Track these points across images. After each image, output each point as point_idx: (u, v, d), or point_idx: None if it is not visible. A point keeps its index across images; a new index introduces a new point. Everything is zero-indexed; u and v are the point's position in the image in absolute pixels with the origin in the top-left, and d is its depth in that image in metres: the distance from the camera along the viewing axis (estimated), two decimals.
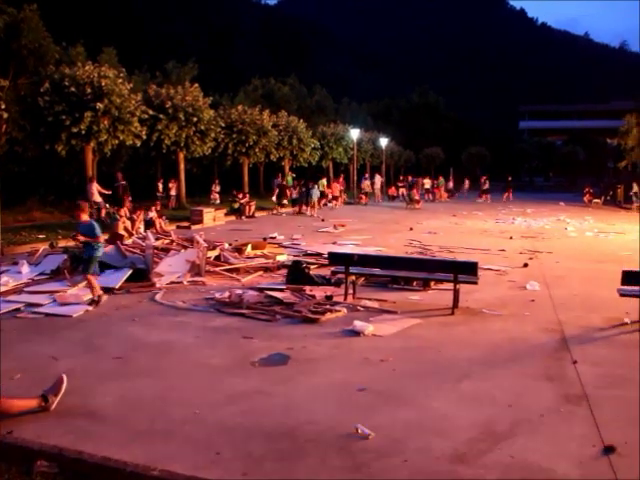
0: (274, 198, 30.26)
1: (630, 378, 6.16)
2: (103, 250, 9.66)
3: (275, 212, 29.01)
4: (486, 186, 42.35)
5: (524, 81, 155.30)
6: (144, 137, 23.25)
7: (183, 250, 12.73)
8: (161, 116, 25.34)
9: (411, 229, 21.14)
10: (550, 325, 8.27)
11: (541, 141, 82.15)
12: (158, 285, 10.49)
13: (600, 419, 5.12)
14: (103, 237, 9.78)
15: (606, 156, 62.69)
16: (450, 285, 9.16)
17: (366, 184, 41.09)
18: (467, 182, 52.55)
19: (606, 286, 9.90)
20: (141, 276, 10.79)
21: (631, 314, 8.47)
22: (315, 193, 29.57)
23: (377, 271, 10.11)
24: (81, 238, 9.11)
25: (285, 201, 30.28)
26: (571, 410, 5.36)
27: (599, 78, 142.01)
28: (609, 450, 4.55)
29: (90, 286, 9.12)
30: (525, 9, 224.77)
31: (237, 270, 11.94)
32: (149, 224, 18.22)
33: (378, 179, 43.10)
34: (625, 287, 8.40)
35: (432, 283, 10.43)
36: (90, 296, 9.10)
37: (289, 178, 34.80)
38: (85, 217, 9.33)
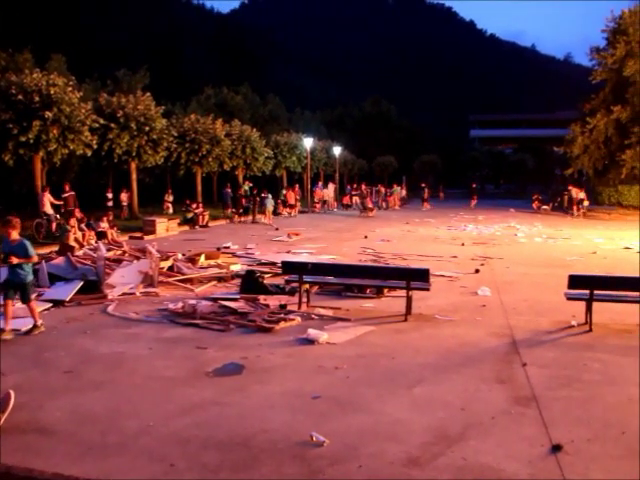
0: (229, 210, 30.09)
1: (576, 379, 6.35)
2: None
3: (231, 221, 28.91)
4: (426, 194, 43.32)
5: (474, 90, 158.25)
6: (95, 146, 22.88)
7: (136, 261, 12.58)
8: (112, 125, 25.00)
9: (365, 237, 21.30)
10: (501, 329, 8.44)
11: (491, 149, 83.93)
12: (110, 297, 10.34)
13: (548, 419, 5.27)
14: (36, 257, 8.54)
15: (553, 164, 64.37)
16: (403, 292, 9.26)
17: (326, 192, 41.47)
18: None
19: (554, 290, 10.16)
20: (92, 288, 10.61)
21: (577, 317, 8.72)
22: (270, 202, 29.69)
23: (331, 279, 10.17)
24: (15, 260, 7.81)
25: (242, 210, 30.26)
26: (521, 411, 5.48)
27: (545, 88, 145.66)
28: (556, 449, 4.69)
29: (32, 312, 8.18)
30: (474, 21, 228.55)
31: (190, 280, 11.85)
32: (101, 235, 17.94)
33: (331, 187, 43.34)
34: (571, 291, 8.65)
35: (385, 290, 10.54)
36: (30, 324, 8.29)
37: (246, 187, 34.74)
38: (16, 235, 8.02)
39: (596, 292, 8.44)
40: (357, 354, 7.19)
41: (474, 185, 46.80)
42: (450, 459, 4.53)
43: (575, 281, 8.57)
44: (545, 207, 40.35)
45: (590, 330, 8.33)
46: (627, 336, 8.12)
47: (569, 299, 8.74)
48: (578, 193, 36.38)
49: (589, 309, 8.46)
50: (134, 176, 27.96)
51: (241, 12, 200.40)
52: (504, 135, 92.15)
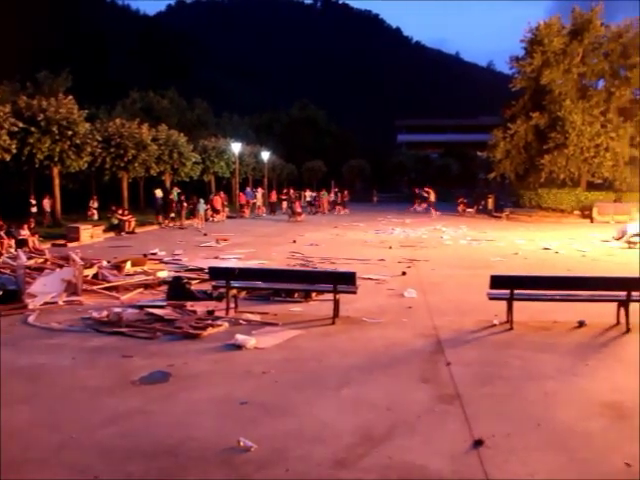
0: (160, 217, 29.62)
1: (498, 375, 6.57)
2: None
3: (162, 227, 28.49)
4: (346, 198, 43.79)
5: (401, 96, 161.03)
6: (14, 151, 22.10)
7: (58, 269, 12.21)
8: (33, 129, 24.14)
9: (294, 241, 21.35)
10: (426, 330, 8.64)
11: (418, 154, 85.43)
12: (31, 306, 10.00)
13: (471, 415, 5.44)
14: None
15: (477, 168, 66.16)
16: (331, 295, 9.33)
17: (257, 196, 41.46)
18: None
19: (477, 291, 10.42)
20: (12, 298, 10.23)
21: (500, 316, 9.02)
22: (202, 207, 29.62)
23: (259, 284, 10.17)
24: None
25: (173, 214, 29.91)
26: (445, 409, 5.64)
27: (469, 95, 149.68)
28: (478, 444, 4.85)
29: None
30: (401, 28, 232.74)
31: (116, 288, 11.60)
32: (21, 243, 17.32)
33: (260, 192, 43.25)
34: (493, 291, 8.93)
35: (313, 294, 10.60)
36: None
37: (174, 193, 34.23)
38: None
39: (516, 291, 8.76)
40: (285, 358, 7.21)
41: (417, 190, 46.90)
42: (376, 459, 4.61)
43: (496, 281, 8.86)
44: (470, 210, 41.45)
45: (511, 328, 8.63)
46: (545, 333, 8.47)
47: (491, 299, 9.03)
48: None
49: (510, 308, 8.77)
50: (57, 182, 27.09)
51: (168, 15, 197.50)
52: (430, 140, 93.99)
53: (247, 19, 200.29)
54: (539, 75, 38.54)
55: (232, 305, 9.60)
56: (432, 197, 41.12)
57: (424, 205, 43.17)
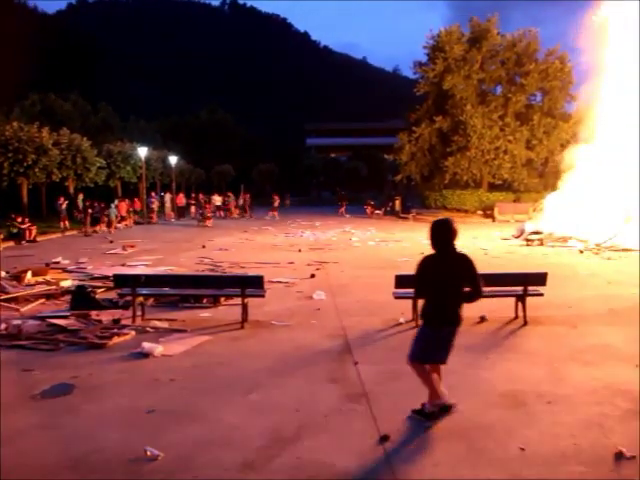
0: (63, 223, 28.57)
1: (403, 372, 6.69)
2: None
3: (64, 234, 27.51)
4: (276, 203, 43.37)
5: (310, 100, 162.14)
6: None
7: None
8: None
9: (203, 247, 21.11)
10: (335, 331, 8.77)
11: (326, 157, 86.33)
12: None
13: (377, 412, 5.58)
14: None
15: (385, 170, 67.59)
16: (240, 300, 9.31)
17: (166, 201, 40.80)
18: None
19: (384, 291, 10.63)
20: None
21: (405, 314, 9.27)
22: (113, 212, 29.50)
23: (166, 290, 10.02)
24: None
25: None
26: (352, 408, 5.76)
27: (377, 99, 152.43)
28: (384, 439, 5.00)
29: None
30: (309, 32, 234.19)
31: (15, 299, 11.10)
32: None
33: (168, 198, 42.51)
34: (398, 290, 9.18)
35: (222, 299, 10.55)
36: None
37: (79, 199, 33.12)
38: None
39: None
40: (193, 364, 7.15)
41: (342, 192, 46.30)
42: (285, 460, 4.67)
43: (401, 281, 9.11)
44: (378, 212, 42.23)
45: (416, 326, 8.85)
46: None
47: (397, 298, 9.27)
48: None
49: (415, 306, 9.02)
50: None
51: (68, 13, 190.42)
52: (339, 143, 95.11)
53: (154, 21, 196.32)
54: (441, 80, 39.91)
55: (139, 313, 9.41)
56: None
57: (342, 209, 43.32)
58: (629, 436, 5.01)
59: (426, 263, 5.42)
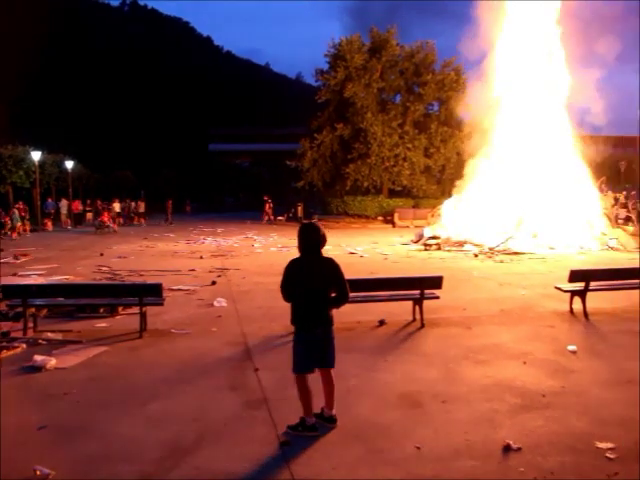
0: None
1: None
2: None
3: None
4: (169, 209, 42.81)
5: (213, 105, 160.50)
6: None
7: None
8: None
9: (101, 254, 20.46)
10: (235, 338, 8.72)
11: (230, 163, 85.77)
12: None
13: (277, 419, 5.60)
14: None
15: (288, 176, 67.82)
16: (138, 309, 9.09)
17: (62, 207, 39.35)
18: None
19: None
20: None
21: None
22: (16, 218, 28.85)
23: (60, 301, 9.64)
24: None
25: None
26: (252, 414, 5.75)
27: (279, 105, 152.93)
28: (284, 444, 5.04)
29: None
30: (212, 37, 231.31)
31: None
32: None
33: (64, 204, 40.90)
34: None
35: (120, 308, 10.27)
36: None
37: None
38: None
39: None
40: (89, 377, 6.91)
41: (266, 198, 44.74)
42: (184, 470, 4.61)
43: None
44: (280, 218, 42.30)
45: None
46: (349, 333, 8.85)
47: None
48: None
49: None
50: None
51: None
52: (241, 149, 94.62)
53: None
54: (342, 88, 40.55)
55: (30, 325, 9.01)
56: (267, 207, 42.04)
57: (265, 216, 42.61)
58: (516, 429, 5.29)
59: (292, 267, 5.46)
